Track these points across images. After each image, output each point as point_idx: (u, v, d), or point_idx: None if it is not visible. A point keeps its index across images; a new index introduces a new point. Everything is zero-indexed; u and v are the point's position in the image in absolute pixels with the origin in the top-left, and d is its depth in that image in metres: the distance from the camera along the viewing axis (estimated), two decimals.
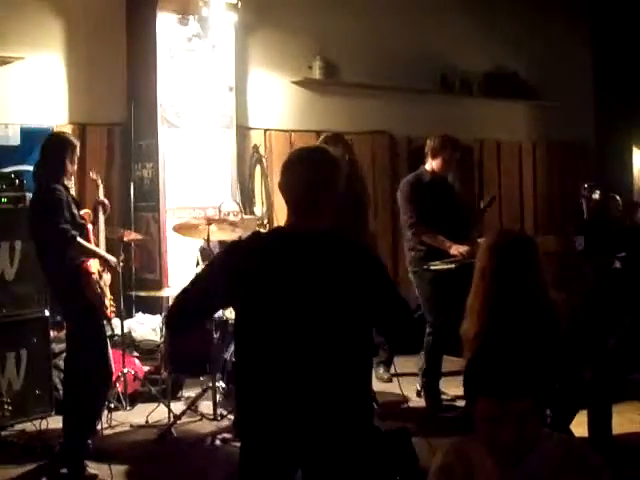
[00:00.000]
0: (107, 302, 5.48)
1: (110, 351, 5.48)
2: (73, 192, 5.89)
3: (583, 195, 8.05)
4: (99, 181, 5.99)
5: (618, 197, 8.45)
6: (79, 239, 5.16)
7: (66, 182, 5.40)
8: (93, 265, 5.33)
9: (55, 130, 6.94)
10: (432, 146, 6.66)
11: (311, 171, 3.02)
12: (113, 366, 5.52)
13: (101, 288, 5.40)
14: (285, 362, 2.95)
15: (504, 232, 4.19)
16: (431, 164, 6.65)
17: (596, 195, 7.97)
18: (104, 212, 5.76)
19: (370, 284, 2.97)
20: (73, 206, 5.29)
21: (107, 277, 5.52)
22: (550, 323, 3.71)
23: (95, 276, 5.33)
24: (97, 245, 5.54)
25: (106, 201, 5.85)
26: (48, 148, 5.41)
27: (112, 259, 5.53)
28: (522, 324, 3.58)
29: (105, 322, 6.33)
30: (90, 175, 6.18)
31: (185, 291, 3.16)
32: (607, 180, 10.22)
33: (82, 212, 5.59)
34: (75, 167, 5.49)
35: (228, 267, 3.08)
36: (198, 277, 3.36)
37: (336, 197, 3.08)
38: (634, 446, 5.42)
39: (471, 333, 3.70)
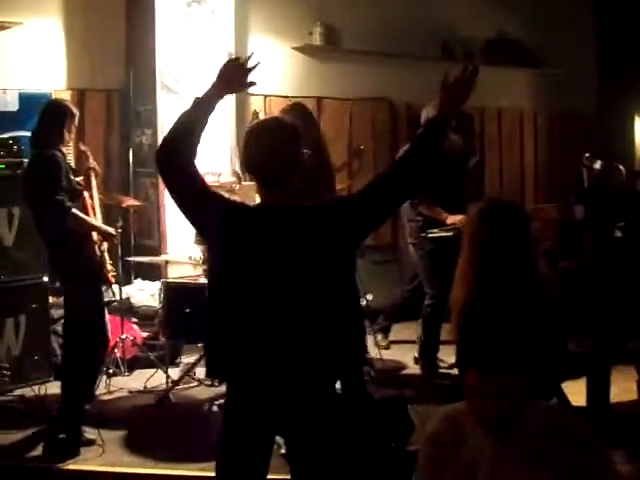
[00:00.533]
0: (108, 267, 5.51)
1: (107, 317, 5.50)
2: (71, 158, 5.86)
3: (584, 164, 8.00)
4: (89, 152, 5.91)
5: (622, 167, 8.41)
6: (74, 210, 5.13)
7: (63, 149, 5.37)
8: None
9: (54, 96, 6.90)
10: (426, 115, 6.58)
11: (275, 141, 3.13)
12: (110, 332, 5.54)
13: (101, 253, 5.44)
14: (264, 323, 3.04)
15: (494, 200, 4.16)
16: None
17: (597, 165, 7.92)
18: (95, 177, 5.74)
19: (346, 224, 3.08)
20: (70, 172, 5.28)
21: (105, 244, 5.54)
22: (538, 294, 3.68)
23: (95, 241, 5.37)
24: (93, 211, 5.53)
25: (97, 167, 5.83)
26: (47, 115, 5.37)
27: (109, 229, 5.52)
28: (509, 294, 3.56)
29: (106, 288, 6.40)
30: (80, 147, 6.13)
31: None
32: (608, 149, 10.20)
33: (79, 178, 5.60)
34: (72, 135, 5.47)
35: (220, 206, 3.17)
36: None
37: (301, 162, 3.20)
38: (630, 415, 5.45)
39: (459, 302, 3.67)
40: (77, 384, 5.31)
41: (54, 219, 5.15)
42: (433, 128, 3.22)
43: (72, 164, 5.66)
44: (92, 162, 5.82)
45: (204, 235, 3.47)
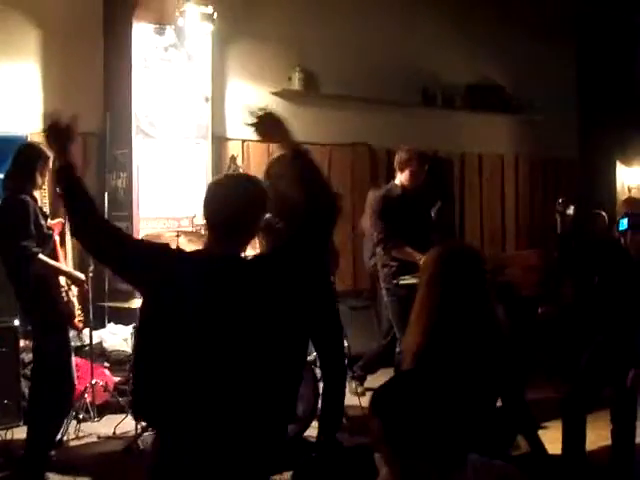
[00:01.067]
0: (76, 313, 5.46)
1: (74, 363, 5.44)
2: (46, 201, 5.76)
3: (557, 210, 7.99)
4: None
5: (604, 213, 8.41)
6: (40, 256, 5.12)
7: (35, 193, 5.33)
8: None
9: (29, 140, 6.88)
10: (399, 159, 6.62)
11: (242, 198, 3.12)
12: (76, 377, 5.48)
13: (69, 298, 5.39)
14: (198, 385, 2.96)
15: (451, 244, 4.13)
16: (400, 178, 6.61)
17: (570, 210, 7.91)
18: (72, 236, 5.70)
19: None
20: (40, 217, 5.24)
21: (75, 289, 5.51)
22: (494, 341, 3.63)
23: (64, 287, 5.33)
24: (64, 256, 5.51)
25: None
26: (20, 157, 5.36)
27: (77, 274, 5.47)
28: (464, 342, 3.50)
29: (76, 332, 6.33)
30: (57, 190, 6.06)
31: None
32: (590, 195, 10.25)
33: (55, 221, 5.57)
34: (46, 179, 5.41)
35: (154, 251, 3.16)
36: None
37: (258, 225, 3.22)
38: (604, 462, 5.40)
39: (413, 347, 3.60)
40: (42, 429, 5.25)
41: (20, 264, 5.14)
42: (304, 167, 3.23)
43: (47, 207, 5.57)
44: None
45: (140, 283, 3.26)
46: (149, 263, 3.08)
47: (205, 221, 3.22)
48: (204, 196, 3.17)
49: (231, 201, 3.10)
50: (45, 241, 5.25)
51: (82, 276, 5.54)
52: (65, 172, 3.29)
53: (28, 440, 5.28)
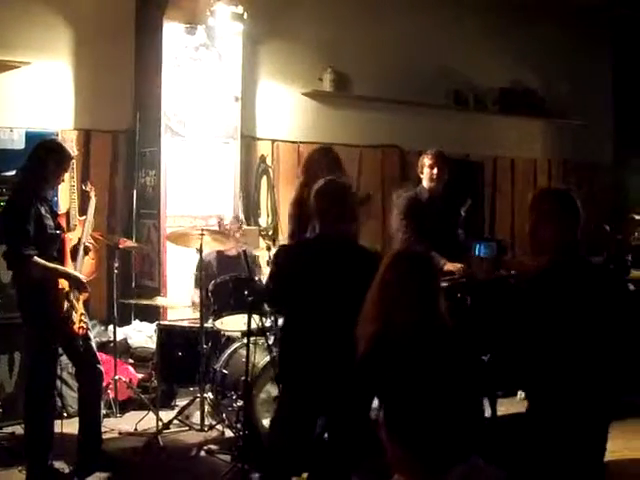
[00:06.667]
0: (75, 317, 5.18)
1: (56, 368, 5.29)
2: (76, 201, 5.51)
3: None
4: (92, 193, 5.72)
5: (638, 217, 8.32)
6: (35, 259, 4.93)
7: (46, 191, 5.19)
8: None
9: (61, 136, 6.91)
10: (419, 162, 6.64)
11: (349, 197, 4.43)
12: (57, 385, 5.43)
13: (70, 302, 5.16)
14: (319, 334, 4.15)
15: (402, 250, 4.25)
16: (423, 181, 6.61)
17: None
18: (86, 253, 5.41)
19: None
20: (47, 217, 5.08)
21: (78, 293, 5.27)
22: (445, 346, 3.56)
23: (63, 289, 5.13)
24: (73, 256, 5.29)
25: (93, 243, 5.52)
26: (32, 154, 5.23)
27: (78, 276, 5.20)
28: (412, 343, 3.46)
29: (102, 329, 6.33)
30: (83, 187, 5.91)
31: (269, 284, 4.51)
32: (624, 200, 10.16)
33: (61, 212, 5.46)
34: (62, 178, 5.30)
35: (287, 264, 4.35)
36: (272, 274, 4.50)
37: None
38: (631, 473, 5.33)
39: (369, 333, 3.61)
40: (31, 426, 5.20)
41: (17, 269, 5.11)
42: None
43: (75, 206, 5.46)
44: (89, 238, 5.48)
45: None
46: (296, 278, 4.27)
47: (325, 210, 4.30)
48: (320, 193, 4.36)
49: (343, 195, 4.36)
50: (49, 241, 5.10)
51: (83, 277, 5.24)
52: None
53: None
